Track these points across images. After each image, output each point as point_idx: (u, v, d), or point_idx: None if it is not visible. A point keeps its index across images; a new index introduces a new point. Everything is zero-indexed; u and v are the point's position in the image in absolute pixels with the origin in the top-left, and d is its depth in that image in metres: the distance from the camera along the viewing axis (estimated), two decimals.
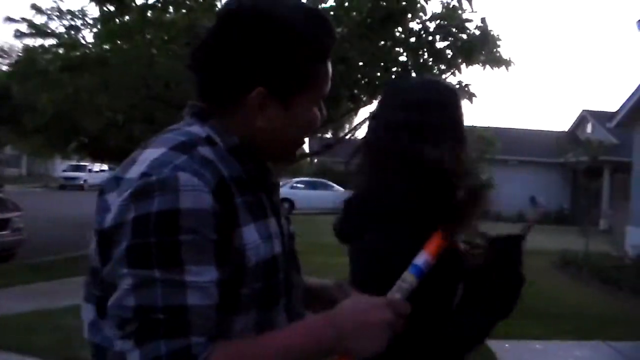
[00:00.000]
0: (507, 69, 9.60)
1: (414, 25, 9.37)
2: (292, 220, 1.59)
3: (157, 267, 1.15)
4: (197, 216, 1.18)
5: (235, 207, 1.26)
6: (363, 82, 9.65)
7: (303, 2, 1.43)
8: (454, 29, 9.21)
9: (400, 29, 9.28)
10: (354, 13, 8.82)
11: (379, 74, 9.61)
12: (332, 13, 8.72)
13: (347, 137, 13.58)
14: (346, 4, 8.97)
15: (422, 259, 1.48)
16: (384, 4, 8.78)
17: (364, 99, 10.24)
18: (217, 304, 1.20)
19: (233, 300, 1.26)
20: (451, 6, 9.25)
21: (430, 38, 9.28)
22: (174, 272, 1.16)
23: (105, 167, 47.56)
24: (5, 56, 20.40)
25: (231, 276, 1.24)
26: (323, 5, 8.98)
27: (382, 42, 9.34)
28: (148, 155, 1.25)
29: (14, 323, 7.43)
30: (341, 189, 33.06)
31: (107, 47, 10.18)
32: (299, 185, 31.14)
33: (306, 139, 1.49)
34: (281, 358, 1.24)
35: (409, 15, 9.13)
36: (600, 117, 30.42)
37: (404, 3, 8.89)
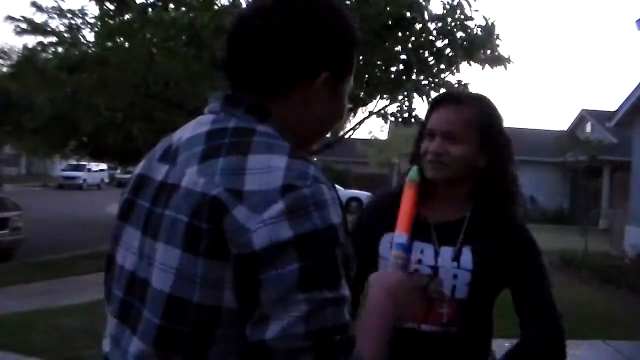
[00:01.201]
0: (506, 67, 9.61)
1: (416, 26, 9.36)
2: None
3: (327, 287, 1.11)
4: (340, 229, 1.16)
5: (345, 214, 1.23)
6: (363, 81, 9.64)
7: None
8: (455, 29, 9.21)
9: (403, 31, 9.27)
10: (368, 20, 8.78)
11: (378, 72, 9.62)
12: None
13: (346, 136, 13.55)
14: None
15: (402, 237, 1.80)
16: (395, 10, 8.75)
17: (364, 98, 10.23)
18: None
19: None
20: (449, 5, 9.25)
21: (431, 37, 9.28)
22: (337, 289, 1.13)
23: (104, 166, 47.60)
24: (6, 57, 20.39)
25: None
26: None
27: (385, 43, 9.32)
28: (266, 162, 1.16)
29: (13, 322, 7.42)
30: (340, 188, 33.15)
31: (106, 45, 10.18)
32: None
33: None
34: (376, 342, 1.32)
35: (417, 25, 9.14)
36: (600, 117, 30.44)
37: (409, 14, 8.88)
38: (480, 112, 2.03)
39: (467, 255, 1.96)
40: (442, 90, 9.62)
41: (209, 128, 1.26)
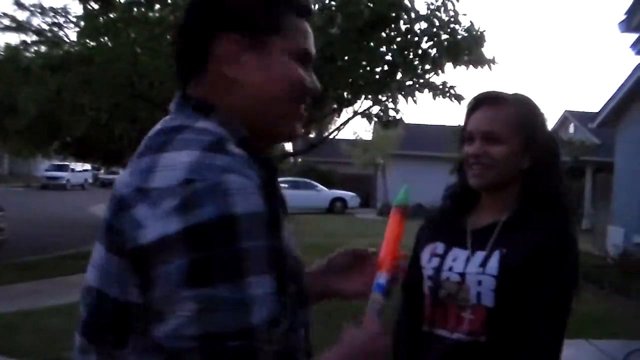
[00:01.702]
0: (490, 68, 9.64)
1: (401, 26, 9.37)
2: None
3: (222, 284, 1.03)
4: (252, 220, 1.07)
5: (278, 207, 1.17)
6: (347, 81, 9.64)
7: None
8: (440, 30, 9.23)
9: (387, 30, 9.28)
10: (351, 18, 8.76)
11: (362, 73, 9.62)
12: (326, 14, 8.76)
13: (331, 137, 13.56)
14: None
15: (382, 277, 1.54)
16: (378, 8, 8.75)
17: (348, 98, 10.23)
18: (278, 317, 1.10)
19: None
20: (434, 7, 9.28)
21: (416, 38, 9.29)
22: (239, 287, 1.04)
23: (88, 166, 47.37)
24: None
25: (279, 284, 1.14)
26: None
27: (370, 43, 9.33)
28: (175, 159, 1.12)
29: None
30: (325, 188, 33.15)
31: (90, 45, 10.11)
32: (282, 185, 31.00)
33: (296, 105, 1.33)
34: None
35: (401, 22, 9.15)
36: (582, 118, 30.63)
37: (393, 14, 8.90)
38: (520, 111, 1.96)
39: (494, 261, 1.87)
40: (426, 91, 9.71)
41: (156, 128, 1.27)
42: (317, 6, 8.87)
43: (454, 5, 9.23)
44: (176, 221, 1.04)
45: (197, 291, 1.03)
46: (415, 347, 2.02)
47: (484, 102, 2.00)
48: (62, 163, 43.85)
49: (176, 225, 1.04)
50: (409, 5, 8.99)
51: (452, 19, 9.26)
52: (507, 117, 1.94)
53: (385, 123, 10.25)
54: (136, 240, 1.07)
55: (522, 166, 1.94)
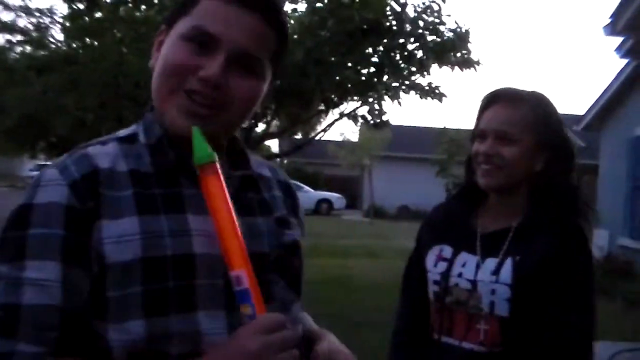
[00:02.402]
0: (475, 69, 9.67)
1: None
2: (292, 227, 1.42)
3: (4, 262, 1.12)
4: (46, 210, 1.13)
5: (98, 199, 1.15)
6: (334, 83, 9.65)
7: None
8: (426, 31, 9.28)
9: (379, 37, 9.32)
10: (342, 21, 8.75)
11: (349, 74, 9.63)
12: (317, 17, 8.77)
13: (317, 138, 13.54)
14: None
15: (240, 282, 1.14)
16: (368, 15, 8.76)
17: (335, 100, 10.23)
18: (63, 306, 1.10)
19: (100, 304, 1.13)
20: (421, 9, 9.32)
21: (402, 40, 9.32)
22: (16, 267, 1.10)
23: None
24: None
25: (95, 276, 1.13)
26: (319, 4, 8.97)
27: (358, 46, 9.36)
28: None
29: None
30: (311, 189, 33.09)
31: (76, 45, 10.07)
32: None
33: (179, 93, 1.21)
34: None
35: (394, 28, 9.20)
36: (568, 120, 30.63)
37: (386, 23, 8.93)
38: (536, 111, 1.87)
39: (507, 269, 1.79)
40: (412, 93, 9.75)
41: None
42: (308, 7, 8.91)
43: (440, 7, 9.28)
44: None
45: None
46: (419, 355, 1.96)
47: (500, 99, 1.91)
48: (46, 163, 43.63)
49: None
50: (399, 9, 9.02)
51: (438, 20, 9.31)
52: (522, 117, 1.85)
53: (376, 124, 10.29)
54: None
55: (535, 168, 1.87)
